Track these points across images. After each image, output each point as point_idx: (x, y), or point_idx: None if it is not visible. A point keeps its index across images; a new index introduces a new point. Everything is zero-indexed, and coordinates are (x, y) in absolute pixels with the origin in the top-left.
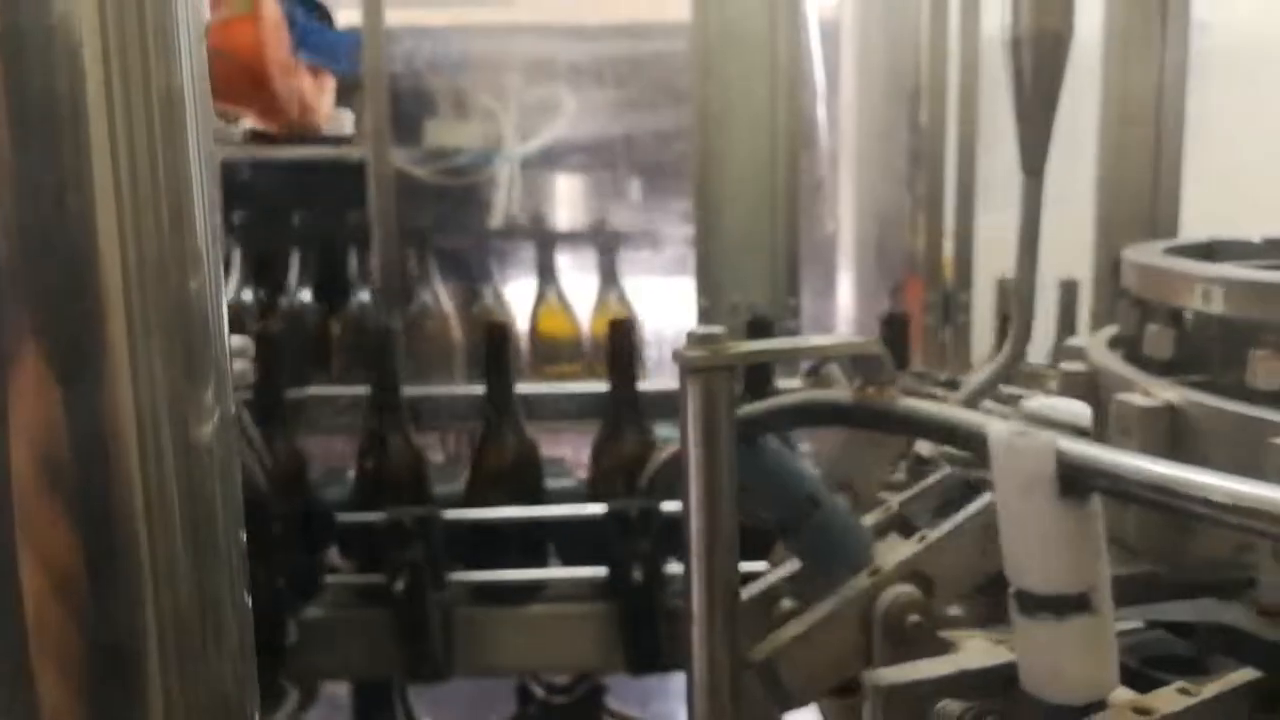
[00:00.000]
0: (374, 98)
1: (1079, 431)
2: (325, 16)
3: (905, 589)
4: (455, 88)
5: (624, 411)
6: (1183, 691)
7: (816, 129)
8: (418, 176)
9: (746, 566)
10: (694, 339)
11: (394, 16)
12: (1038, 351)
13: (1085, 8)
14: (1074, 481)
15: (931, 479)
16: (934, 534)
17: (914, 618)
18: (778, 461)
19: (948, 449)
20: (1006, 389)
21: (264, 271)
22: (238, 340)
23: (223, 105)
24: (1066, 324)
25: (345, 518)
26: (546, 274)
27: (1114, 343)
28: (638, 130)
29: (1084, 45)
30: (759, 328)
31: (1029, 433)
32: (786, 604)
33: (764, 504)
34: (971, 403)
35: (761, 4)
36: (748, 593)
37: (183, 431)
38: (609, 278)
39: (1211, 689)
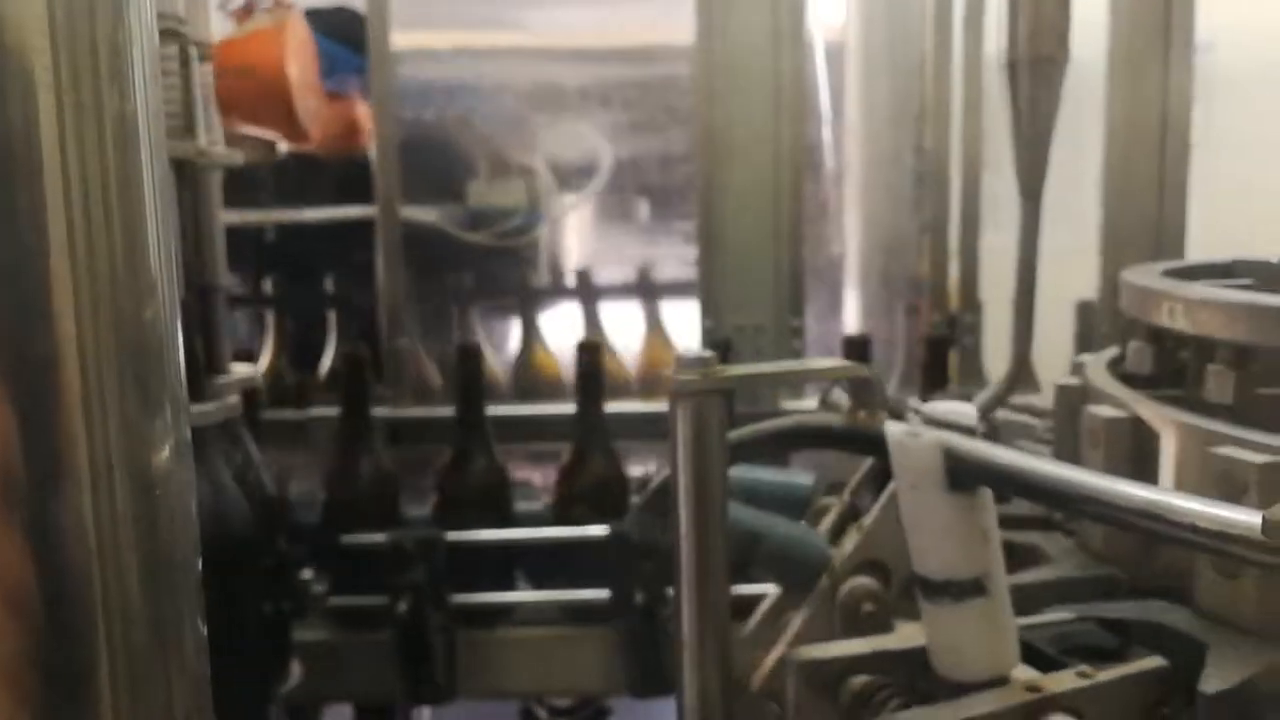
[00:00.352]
0: (381, 131)
1: (967, 431)
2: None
3: (860, 580)
4: (491, 148)
5: (592, 434)
6: (1081, 675)
7: (822, 152)
8: (466, 240)
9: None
10: (684, 363)
11: (403, 40)
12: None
13: (1089, 31)
14: (960, 476)
15: (866, 466)
16: (867, 520)
17: (868, 606)
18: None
19: None
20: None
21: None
22: (242, 368)
23: (244, 125)
24: (1083, 344)
25: (350, 539)
26: (592, 322)
27: (1114, 361)
28: (643, 153)
29: (1090, 67)
30: (721, 350)
31: (919, 432)
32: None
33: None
34: None
35: (765, 27)
36: (756, 616)
37: (135, 459)
38: (653, 321)
39: (1108, 674)
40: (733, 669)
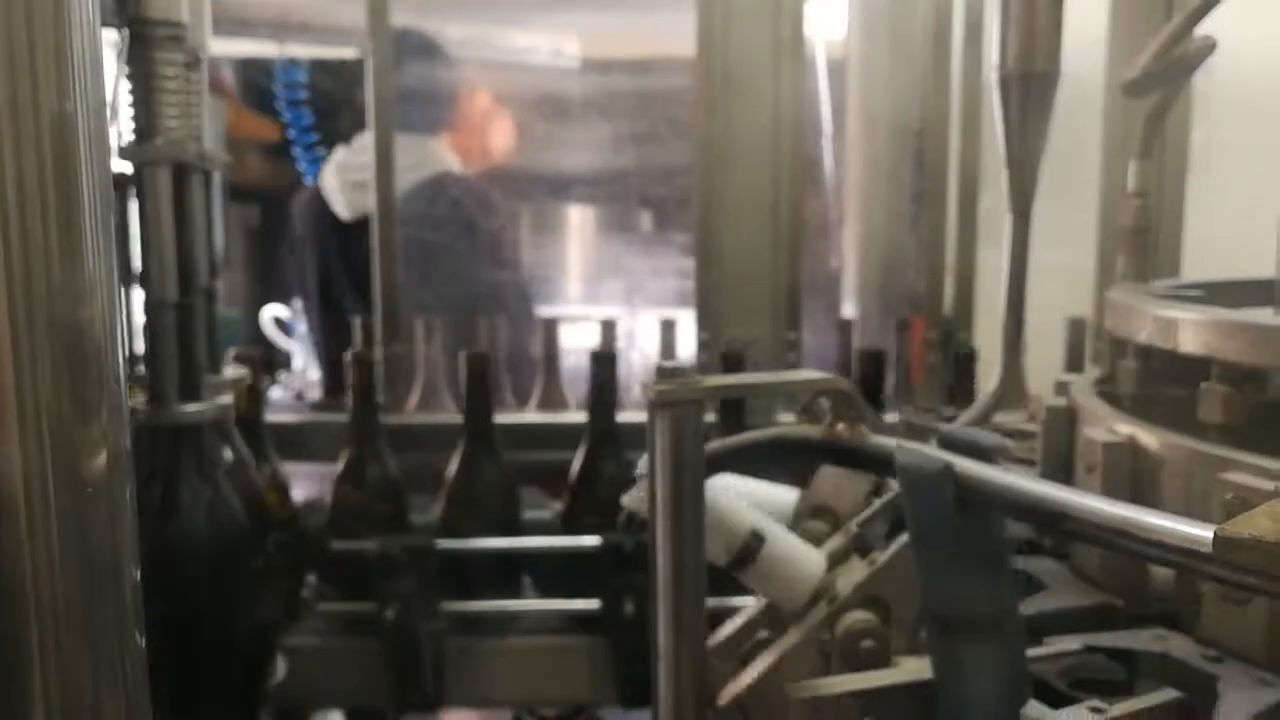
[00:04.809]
0: (381, 137)
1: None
2: None
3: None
4: None
5: (602, 443)
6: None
7: (823, 167)
8: None
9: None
10: (663, 373)
11: None
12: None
13: (1089, 50)
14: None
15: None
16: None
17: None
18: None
19: None
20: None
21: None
22: (233, 370)
23: None
24: (1073, 362)
25: (337, 545)
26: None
27: (1102, 380)
28: (641, 163)
29: (1090, 86)
30: (732, 362)
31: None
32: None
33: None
34: None
35: (765, 41)
36: (728, 628)
37: (70, 465)
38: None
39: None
40: (707, 679)
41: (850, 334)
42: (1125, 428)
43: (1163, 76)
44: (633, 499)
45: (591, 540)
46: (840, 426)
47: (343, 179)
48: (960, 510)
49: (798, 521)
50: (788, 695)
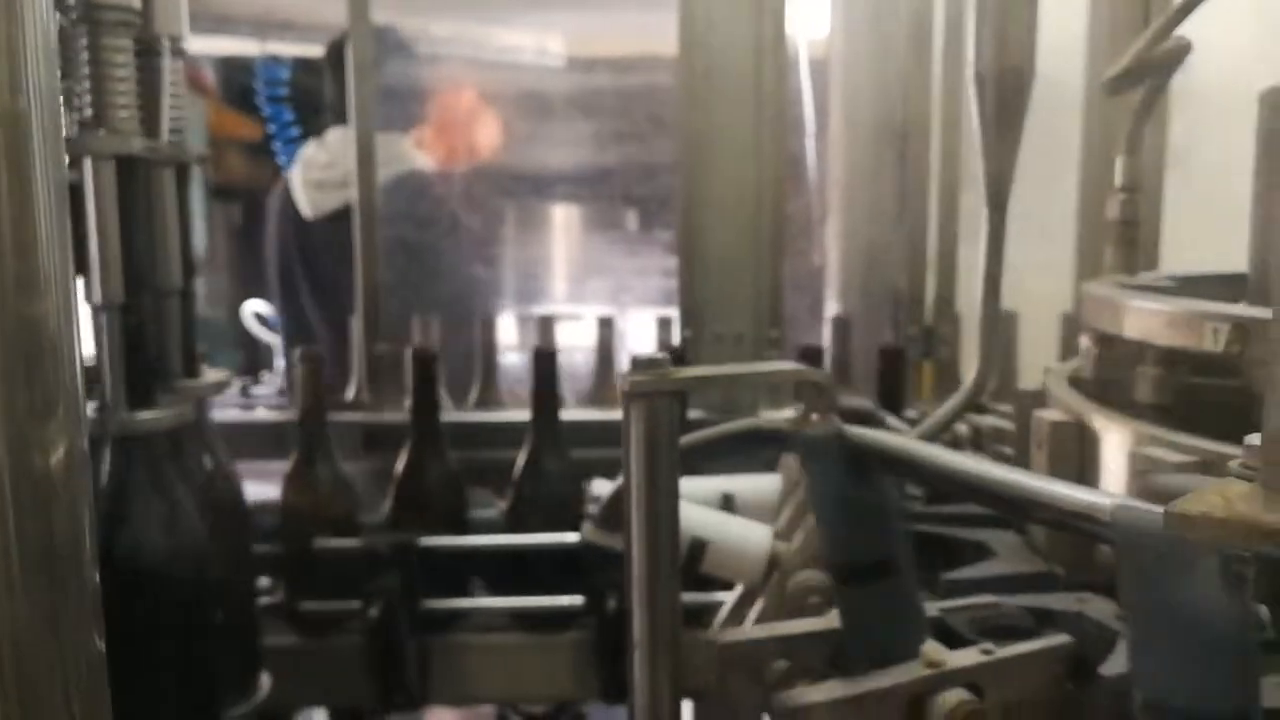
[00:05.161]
0: (362, 133)
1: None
2: None
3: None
4: None
5: (545, 440)
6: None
7: (805, 166)
8: None
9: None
10: (638, 364)
11: None
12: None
13: (1067, 45)
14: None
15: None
16: (1003, 651)
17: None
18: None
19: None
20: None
21: None
22: (214, 374)
23: None
24: (1066, 355)
25: (323, 543)
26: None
27: (1076, 367)
28: (627, 161)
29: (1066, 82)
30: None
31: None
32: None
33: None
34: (935, 431)
35: (747, 39)
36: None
37: (26, 461)
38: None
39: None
40: (683, 670)
41: (847, 332)
42: (1076, 408)
43: (1142, 75)
44: (591, 531)
45: (574, 536)
46: (814, 418)
47: (305, 177)
48: (851, 471)
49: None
50: (712, 640)
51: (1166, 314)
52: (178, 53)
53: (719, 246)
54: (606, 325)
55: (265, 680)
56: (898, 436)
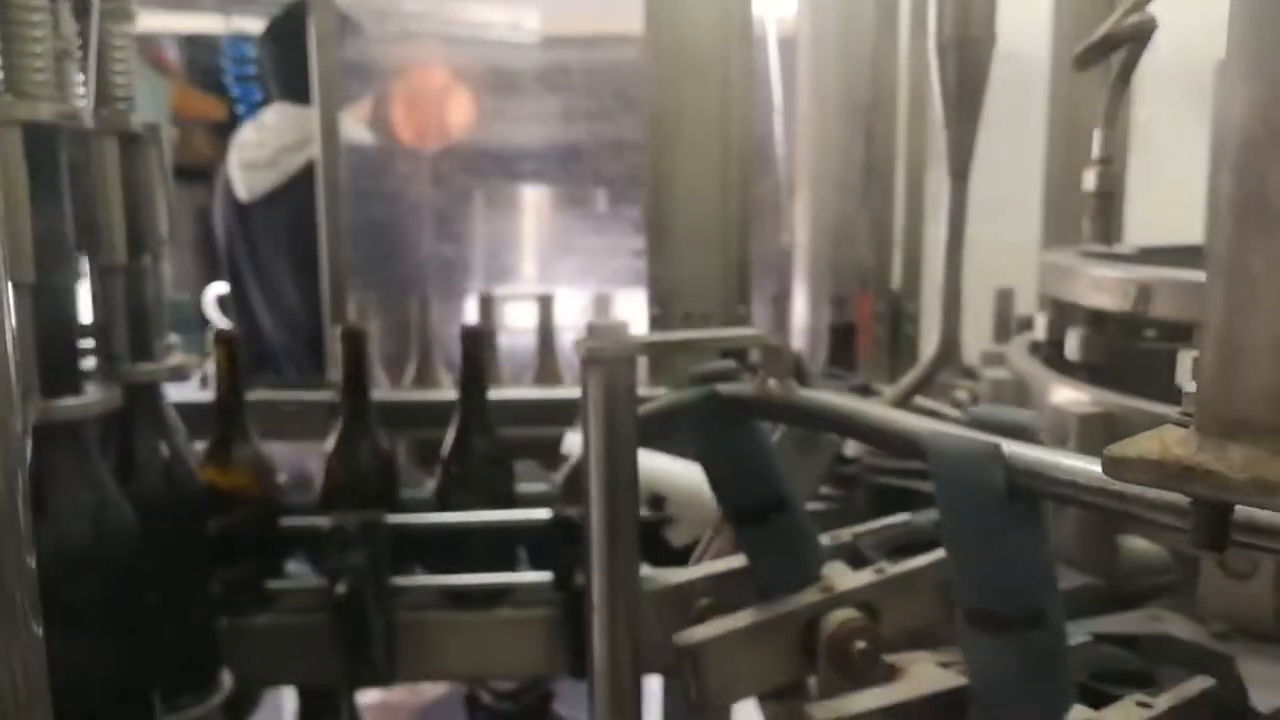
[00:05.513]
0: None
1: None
2: None
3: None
4: None
5: (473, 419)
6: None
7: (774, 144)
8: None
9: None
10: (594, 331)
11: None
12: None
13: (1034, 23)
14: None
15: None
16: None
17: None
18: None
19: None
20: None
21: None
22: (181, 356)
23: None
24: (1002, 332)
25: (289, 522)
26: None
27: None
28: (598, 140)
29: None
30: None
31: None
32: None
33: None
34: (898, 403)
35: (714, 19)
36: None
37: None
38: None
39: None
40: (640, 632)
41: (846, 309)
42: (1022, 368)
43: (1110, 49)
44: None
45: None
46: (772, 383)
47: (240, 157)
48: (729, 425)
49: None
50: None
51: (1091, 277)
52: (121, 15)
53: (687, 224)
54: (546, 304)
55: (226, 678)
56: (839, 397)
